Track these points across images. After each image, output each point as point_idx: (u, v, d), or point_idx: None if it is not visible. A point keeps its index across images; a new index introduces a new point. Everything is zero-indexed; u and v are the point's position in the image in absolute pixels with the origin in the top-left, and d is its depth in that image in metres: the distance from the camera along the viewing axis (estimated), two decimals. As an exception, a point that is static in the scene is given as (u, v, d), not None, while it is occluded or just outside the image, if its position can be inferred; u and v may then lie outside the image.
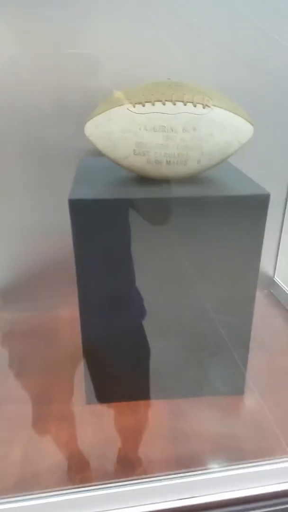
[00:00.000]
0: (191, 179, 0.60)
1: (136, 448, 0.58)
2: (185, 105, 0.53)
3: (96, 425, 0.61)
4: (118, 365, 0.62)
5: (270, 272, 0.98)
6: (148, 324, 0.60)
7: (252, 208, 0.56)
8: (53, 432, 0.60)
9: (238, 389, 0.67)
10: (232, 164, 0.70)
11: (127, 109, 0.54)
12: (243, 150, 0.59)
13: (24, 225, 0.81)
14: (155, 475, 0.52)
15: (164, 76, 0.57)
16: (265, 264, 0.96)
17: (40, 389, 0.67)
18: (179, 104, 0.53)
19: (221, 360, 0.64)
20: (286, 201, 0.90)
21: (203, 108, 0.54)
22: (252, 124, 0.58)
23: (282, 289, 0.94)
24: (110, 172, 0.62)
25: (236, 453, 0.57)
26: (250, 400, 0.66)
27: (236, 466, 0.52)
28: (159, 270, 0.58)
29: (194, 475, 0.51)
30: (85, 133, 0.58)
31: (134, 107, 0.54)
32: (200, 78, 0.60)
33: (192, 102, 0.53)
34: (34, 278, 0.84)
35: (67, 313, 0.85)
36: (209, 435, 0.60)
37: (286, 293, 0.93)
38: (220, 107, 0.55)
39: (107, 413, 0.63)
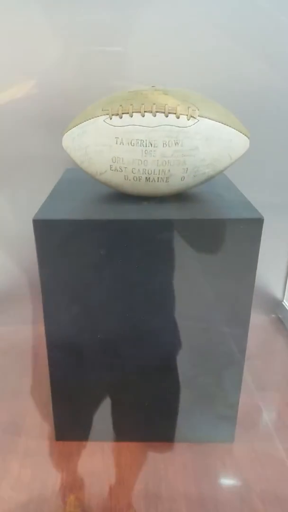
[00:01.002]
0: (176, 197, 0.54)
1: (101, 499, 0.52)
2: (166, 116, 0.47)
3: (63, 466, 0.56)
4: (90, 402, 0.57)
5: (279, 296, 0.89)
6: (123, 358, 0.54)
7: (244, 233, 0.49)
8: (16, 469, 0.55)
9: (227, 436, 0.60)
10: (225, 175, 0.63)
11: (103, 121, 0.49)
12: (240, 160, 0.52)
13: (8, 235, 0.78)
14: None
15: (151, 78, 0.52)
16: (273, 287, 0.88)
17: (8, 417, 0.63)
18: (160, 115, 0.47)
19: (208, 402, 0.57)
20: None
21: (188, 119, 0.47)
22: (247, 136, 0.51)
23: (292, 314, 0.85)
24: (91, 186, 0.58)
25: None
26: (239, 450, 0.59)
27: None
28: (134, 298, 0.52)
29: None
30: (63, 145, 0.54)
31: (110, 118, 0.48)
32: (193, 81, 0.55)
33: (175, 113, 0.47)
34: (16, 291, 0.81)
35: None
36: (184, 494, 0.53)
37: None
38: (208, 118, 0.48)
39: (76, 452, 0.57)
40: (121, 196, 0.54)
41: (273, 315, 0.90)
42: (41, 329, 0.81)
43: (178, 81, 0.61)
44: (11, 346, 0.79)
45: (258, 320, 0.86)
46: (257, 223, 0.48)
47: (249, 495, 0.53)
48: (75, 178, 0.64)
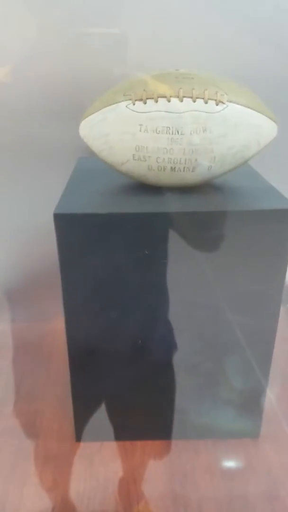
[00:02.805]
0: (200, 187, 0.51)
1: (127, 501, 0.51)
2: (194, 101, 0.44)
3: (86, 467, 0.54)
4: (111, 402, 0.55)
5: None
6: (147, 356, 0.52)
7: (274, 223, 0.47)
8: (37, 473, 0.53)
9: (252, 432, 0.59)
10: (250, 165, 0.61)
11: (126, 106, 0.46)
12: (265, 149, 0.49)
13: (17, 228, 0.74)
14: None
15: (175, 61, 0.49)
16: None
17: (26, 419, 0.61)
18: (187, 100, 0.44)
19: (233, 397, 0.56)
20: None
21: (216, 104, 0.45)
22: (275, 122, 0.49)
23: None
24: (109, 176, 0.55)
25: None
26: (265, 446, 0.58)
27: None
28: (162, 294, 0.49)
29: None
30: (80, 134, 0.51)
31: (134, 104, 0.45)
32: (215, 63, 0.51)
33: (203, 98, 0.44)
34: (28, 285, 0.78)
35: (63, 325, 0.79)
36: (212, 493, 0.52)
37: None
38: (237, 103, 0.46)
39: (98, 453, 0.56)
40: (142, 188, 0.51)
41: None
42: (55, 325, 0.79)
43: (186, 65, 0.58)
44: (25, 343, 0.76)
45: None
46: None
47: (279, 493, 0.52)
48: (91, 168, 0.60)
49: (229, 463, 0.57)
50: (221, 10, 0.64)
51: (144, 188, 0.51)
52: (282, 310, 0.76)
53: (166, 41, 0.65)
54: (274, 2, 0.64)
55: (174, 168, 0.47)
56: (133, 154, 0.47)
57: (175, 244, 0.47)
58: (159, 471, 0.54)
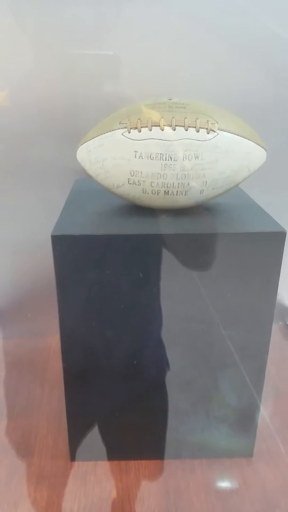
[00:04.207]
0: (193, 209, 0.53)
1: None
2: (186, 130, 0.47)
3: (80, 486, 0.54)
4: (105, 421, 0.56)
5: (287, 302, 0.89)
6: (142, 374, 0.53)
7: (263, 245, 0.49)
8: (32, 492, 0.53)
9: (246, 451, 0.59)
10: (240, 188, 0.63)
11: (122, 134, 0.48)
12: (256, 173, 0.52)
13: (14, 246, 0.76)
14: None
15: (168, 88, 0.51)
16: (281, 294, 0.88)
17: (20, 437, 0.61)
18: (180, 129, 0.47)
19: (226, 416, 0.57)
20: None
21: (207, 133, 0.47)
22: (264, 149, 0.51)
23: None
24: (105, 198, 0.57)
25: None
26: (259, 465, 0.58)
27: None
28: (155, 313, 0.51)
29: None
30: (77, 158, 0.53)
31: (129, 132, 0.48)
32: (205, 92, 0.54)
33: (194, 127, 0.47)
34: (23, 302, 0.79)
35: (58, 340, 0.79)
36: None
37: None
38: (227, 131, 0.48)
39: (92, 472, 0.56)
40: (137, 209, 0.53)
41: (280, 323, 0.90)
42: (49, 342, 0.80)
43: (178, 89, 0.61)
44: (18, 360, 0.76)
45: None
46: (280, 236, 0.48)
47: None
48: (87, 190, 0.63)
49: (224, 482, 0.57)
50: (216, 35, 0.67)
51: (138, 209, 0.53)
52: (274, 327, 0.78)
53: (160, 64, 0.67)
54: (271, 30, 0.67)
55: (168, 191, 0.49)
56: (128, 178, 0.49)
57: (169, 264, 0.49)
58: (153, 490, 0.54)
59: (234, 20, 0.66)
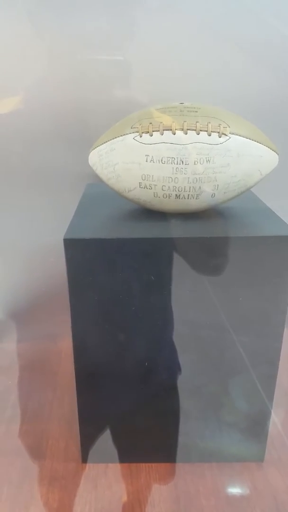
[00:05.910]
0: (204, 213, 0.53)
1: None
2: (198, 134, 0.47)
3: (91, 489, 0.54)
4: (117, 423, 0.56)
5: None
6: (153, 378, 0.53)
7: (275, 249, 0.48)
8: (43, 495, 0.53)
9: (257, 456, 0.58)
10: (252, 191, 0.63)
11: (133, 138, 0.48)
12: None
13: (27, 250, 0.77)
14: None
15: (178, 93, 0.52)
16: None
17: (33, 439, 0.61)
18: (191, 133, 0.47)
19: (237, 420, 0.56)
20: None
21: (219, 137, 0.47)
22: (276, 152, 0.51)
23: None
24: (116, 202, 0.57)
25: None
26: (270, 470, 0.57)
27: None
28: (167, 316, 0.51)
29: None
30: (89, 162, 0.54)
31: (140, 136, 0.48)
32: (217, 96, 0.54)
33: (206, 131, 0.47)
34: (35, 305, 0.80)
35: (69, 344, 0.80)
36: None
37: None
38: (239, 135, 0.48)
39: (104, 475, 0.56)
40: (148, 213, 0.53)
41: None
42: (61, 345, 0.81)
43: (189, 93, 0.61)
44: (30, 363, 0.77)
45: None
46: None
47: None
48: (99, 194, 0.63)
49: (234, 487, 0.57)
50: (227, 40, 0.67)
51: (149, 213, 0.53)
52: (286, 332, 0.77)
53: (171, 68, 0.68)
54: (282, 31, 0.67)
55: (179, 195, 0.49)
56: (140, 182, 0.49)
57: (180, 268, 0.49)
58: (163, 494, 0.54)
59: (246, 25, 0.66)
